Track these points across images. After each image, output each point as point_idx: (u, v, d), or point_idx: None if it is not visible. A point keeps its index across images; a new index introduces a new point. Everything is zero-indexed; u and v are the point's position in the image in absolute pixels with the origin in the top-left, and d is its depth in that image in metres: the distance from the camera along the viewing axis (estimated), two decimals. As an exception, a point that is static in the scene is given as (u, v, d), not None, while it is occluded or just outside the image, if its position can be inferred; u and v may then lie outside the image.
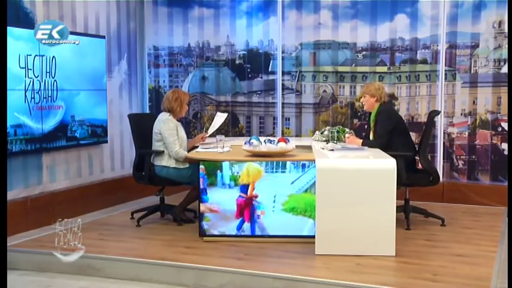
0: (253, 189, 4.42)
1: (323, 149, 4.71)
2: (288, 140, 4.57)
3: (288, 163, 4.40)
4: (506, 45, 5.73)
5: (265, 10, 6.61)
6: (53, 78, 5.38)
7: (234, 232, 4.47)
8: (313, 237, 4.16)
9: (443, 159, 6.07)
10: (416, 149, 5.07)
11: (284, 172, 4.42)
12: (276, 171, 4.42)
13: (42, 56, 5.22)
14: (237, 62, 6.81)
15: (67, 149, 5.68)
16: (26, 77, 5.08)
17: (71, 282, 4.00)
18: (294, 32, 6.51)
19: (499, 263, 3.99)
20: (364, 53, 6.30)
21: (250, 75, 6.79)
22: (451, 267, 3.89)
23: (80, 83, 5.73)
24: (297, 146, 4.65)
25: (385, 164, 4.11)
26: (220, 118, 5.28)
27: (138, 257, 4.11)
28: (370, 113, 5.13)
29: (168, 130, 4.92)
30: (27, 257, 4.28)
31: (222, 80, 6.91)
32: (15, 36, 4.91)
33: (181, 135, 5.03)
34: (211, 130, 5.23)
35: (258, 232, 4.46)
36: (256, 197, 4.43)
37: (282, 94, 6.63)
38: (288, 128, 6.63)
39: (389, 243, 4.06)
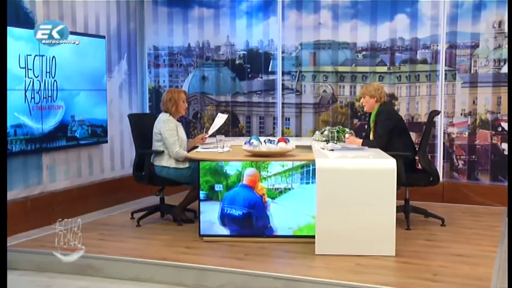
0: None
1: (323, 149, 4.71)
2: (288, 140, 4.57)
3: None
4: (506, 45, 5.73)
5: (265, 10, 6.61)
6: (53, 78, 5.38)
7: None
8: (313, 237, 4.16)
9: (443, 159, 6.07)
10: (416, 149, 5.07)
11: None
12: (311, 181, 4.29)
13: (42, 56, 5.22)
14: (237, 62, 6.81)
15: (67, 149, 5.68)
16: (26, 77, 5.08)
17: (71, 282, 4.00)
18: (294, 32, 6.51)
19: (499, 263, 3.99)
20: (364, 53, 6.30)
21: (250, 75, 6.79)
22: (451, 267, 3.89)
23: (80, 83, 5.73)
24: (297, 146, 4.65)
25: (385, 164, 4.11)
26: (220, 119, 5.28)
27: (138, 257, 4.11)
28: (370, 113, 5.12)
29: (168, 131, 4.92)
30: (27, 257, 4.27)
31: (222, 80, 6.91)
32: (15, 36, 4.91)
33: (181, 135, 5.03)
34: (211, 131, 5.23)
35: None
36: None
37: (282, 94, 6.63)
38: (288, 128, 6.63)
39: (390, 243, 4.06)
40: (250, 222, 4.37)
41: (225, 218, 4.40)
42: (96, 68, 5.94)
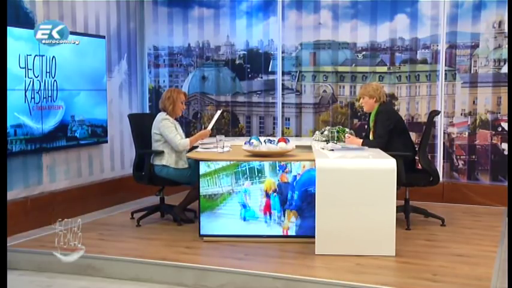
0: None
1: (323, 149, 4.71)
2: (288, 140, 4.57)
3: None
4: (506, 45, 5.73)
5: (265, 10, 6.61)
6: (53, 78, 5.38)
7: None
8: (313, 237, 4.16)
9: (443, 159, 6.07)
10: (416, 149, 5.07)
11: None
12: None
13: (42, 56, 5.22)
14: (237, 62, 6.81)
15: (67, 149, 5.68)
16: (26, 77, 5.08)
17: (71, 282, 4.00)
18: (294, 32, 6.51)
19: (499, 263, 3.99)
20: (364, 53, 6.30)
21: (250, 75, 6.79)
22: (451, 267, 3.89)
23: (80, 83, 5.73)
24: (297, 146, 4.65)
25: (385, 164, 4.11)
26: (216, 115, 5.28)
27: (138, 257, 4.11)
28: (369, 113, 5.12)
29: (166, 128, 4.93)
30: (27, 257, 4.28)
31: (222, 80, 6.91)
32: (15, 36, 4.91)
33: (180, 133, 5.04)
34: (210, 126, 5.21)
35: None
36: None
37: (282, 94, 6.63)
38: (288, 128, 6.63)
39: (390, 243, 4.06)
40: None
41: (308, 196, 4.37)
42: (96, 68, 5.94)
